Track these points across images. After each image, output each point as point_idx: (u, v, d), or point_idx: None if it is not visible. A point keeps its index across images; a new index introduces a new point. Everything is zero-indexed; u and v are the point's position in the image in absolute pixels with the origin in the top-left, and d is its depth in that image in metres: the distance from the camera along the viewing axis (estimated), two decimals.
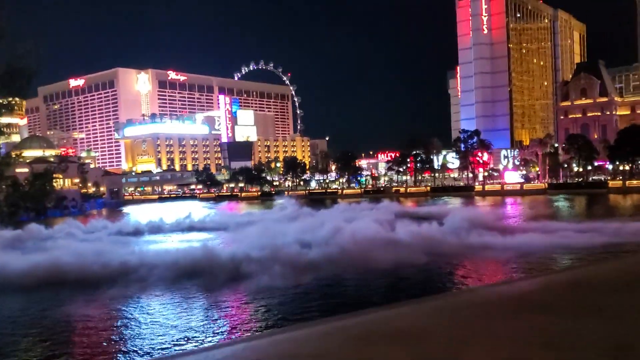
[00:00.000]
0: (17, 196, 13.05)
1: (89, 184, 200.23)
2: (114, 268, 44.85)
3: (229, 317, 33.11)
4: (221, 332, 30.06)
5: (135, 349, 27.91)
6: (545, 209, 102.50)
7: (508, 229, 60.86)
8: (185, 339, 28.74)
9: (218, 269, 42.91)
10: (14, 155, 14.25)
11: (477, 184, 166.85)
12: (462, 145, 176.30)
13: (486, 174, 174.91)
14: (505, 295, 8.51)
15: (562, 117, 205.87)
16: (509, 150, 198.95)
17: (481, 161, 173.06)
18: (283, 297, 35.50)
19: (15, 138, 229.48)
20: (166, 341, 28.69)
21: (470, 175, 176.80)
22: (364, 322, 6.90)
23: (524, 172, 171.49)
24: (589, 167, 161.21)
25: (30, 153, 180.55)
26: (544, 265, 42.80)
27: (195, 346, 27.23)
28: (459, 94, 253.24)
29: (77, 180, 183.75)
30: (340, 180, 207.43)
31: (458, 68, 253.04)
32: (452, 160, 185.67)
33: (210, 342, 28.58)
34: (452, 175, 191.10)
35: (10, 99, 12.95)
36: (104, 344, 28.51)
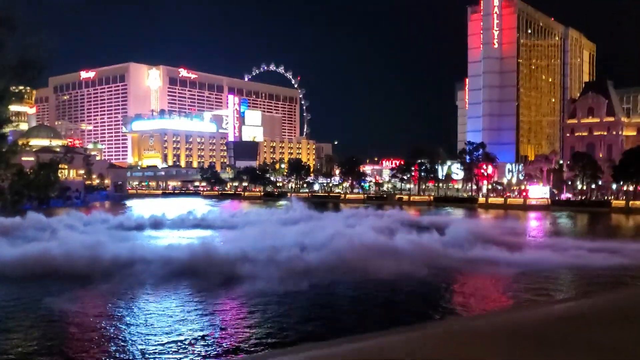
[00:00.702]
0: (21, 184, 13.57)
1: (94, 176, 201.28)
2: (105, 263, 45.21)
3: (211, 320, 33.18)
4: (199, 335, 30.08)
5: (113, 348, 28.19)
6: (551, 226, 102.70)
7: (516, 244, 59.94)
8: (169, 342, 28.93)
9: (212, 267, 43.27)
10: (20, 144, 14.81)
11: (480, 196, 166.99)
12: (467, 157, 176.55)
13: (490, 186, 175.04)
14: (500, 326, 8.80)
15: (568, 135, 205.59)
16: (513, 165, 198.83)
17: (485, 174, 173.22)
18: (275, 304, 35.42)
19: (23, 126, 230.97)
20: (147, 342, 28.90)
21: (474, 187, 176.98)
22: (354, 350, 7.26)
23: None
24: (593, 186, 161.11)
25: (37, 142, 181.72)
26: (555, 286, 42.49)
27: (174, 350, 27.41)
28: (467, 106, 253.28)
29: (82, 172, 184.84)
30: (344, 185, 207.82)
31: (467, 80, 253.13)
32: (457, 171, 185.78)
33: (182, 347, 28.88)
34: (455, 186, 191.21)
35: (20, 87, 13.47)
36: (82, 341, 28.62)
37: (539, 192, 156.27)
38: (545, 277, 44.92)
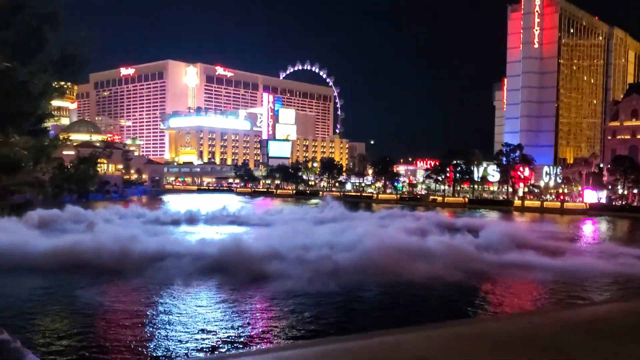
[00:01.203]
0: (62, 178, 13.84)
1: (132, 171, 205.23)
2: (137, 256, 45.92)
3: (234, 316, 33.35)
4: (222, 331, 30.45)
5: (140, 342, 28.66)
6: (591, 230, 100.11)
7: (555, 249, 58.25)
8: (195, 339, 29.29)
9: (242, 264, 43.45)
10: (62, 138, 15.14)
11: (516, 199, 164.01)
12: (504, 159, 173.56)
13: (526, 189, 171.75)
14: (516, 330, 8.61)
15: (609, 138, 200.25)
16: (551, 167, 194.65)
17: (522, 176, 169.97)
18: (300, 303, 35.37)
19: (65, 121, 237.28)
20: (174, 337, 29.34)
21: (510, 189, 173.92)
22: (371, 345, 7.20)
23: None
24: (635, 191, 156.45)
25: (77, 137, 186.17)
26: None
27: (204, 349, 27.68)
28: (504, 106, 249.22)
29: (120, 167, 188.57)
30: (377, 185, 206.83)
31: (505, 80, 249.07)
32: (493, 173, 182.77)
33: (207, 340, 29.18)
34: (491, 188, 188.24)
35: (62, 83, 13.77)
36: (108, 335, 29.14)
37: (593, 196, 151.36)
38: (588, 284, 43.44)
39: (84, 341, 27.82)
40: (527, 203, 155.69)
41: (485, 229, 68.41)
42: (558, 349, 7.62)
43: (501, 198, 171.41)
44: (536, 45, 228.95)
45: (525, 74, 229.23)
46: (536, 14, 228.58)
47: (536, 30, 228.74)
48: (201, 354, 26.44)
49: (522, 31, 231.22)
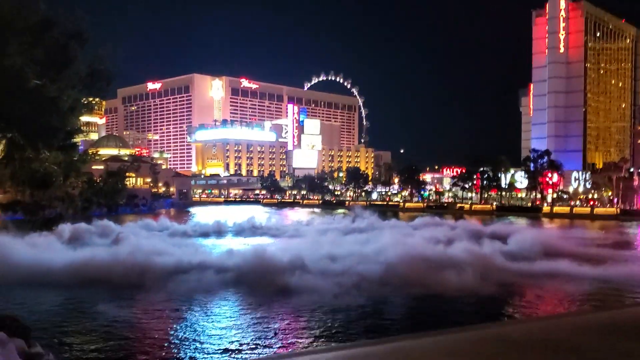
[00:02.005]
0: (91, 192, 14.07)
1: (160, 184, 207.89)
2: (160, 269, 46.08)
3: (257, 327, 33.18)
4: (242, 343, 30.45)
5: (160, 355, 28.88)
6: (623, 237, 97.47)
7: (598, 257, 56.14)
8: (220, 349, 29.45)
9: (267, 276, 43.33)
10: (90, 153, 15.43)
11: (545, 205, 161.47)
12: (532, 165, 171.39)
13: (555, 195, 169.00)
14: (534, 334, 8.43)
15: (639, 141, 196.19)
16: (580, 172, 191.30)
17: (551, 182, 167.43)
18: (327, 316, 34.89)
19: (94, 136, 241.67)
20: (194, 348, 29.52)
21: (539, 196, 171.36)
22: (383, 351, 7.11)
23: None
24: None
25: (106, 151, 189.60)
26: None
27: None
28: (531, 112, 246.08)
29: (148, 180, 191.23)
30: (403, 194, 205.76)
31: (531, 86, 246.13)
32: (520, 179, 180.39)
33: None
34: (519, 195, 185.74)
35: (90, 99, 14.04)
36: (128, 347, 29.27)
37: None
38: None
39: (112, 354, 28.12)
40: (556, 209, 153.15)
41: (521, 237, 66.79)
42: (574, 351, 7.47)
43: (529, 205, 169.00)
44: (562, 50, 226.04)
45: (552, 79, 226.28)
46: (561, 18, 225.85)
47: (562, 34, 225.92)
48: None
49: (547, 36, 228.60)
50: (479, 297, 38.75)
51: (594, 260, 53.04)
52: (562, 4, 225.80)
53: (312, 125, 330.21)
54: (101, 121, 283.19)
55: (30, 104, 11.10)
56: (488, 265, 47.80)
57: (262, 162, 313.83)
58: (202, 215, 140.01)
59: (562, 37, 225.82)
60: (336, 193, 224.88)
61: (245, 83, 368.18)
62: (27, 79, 11.12)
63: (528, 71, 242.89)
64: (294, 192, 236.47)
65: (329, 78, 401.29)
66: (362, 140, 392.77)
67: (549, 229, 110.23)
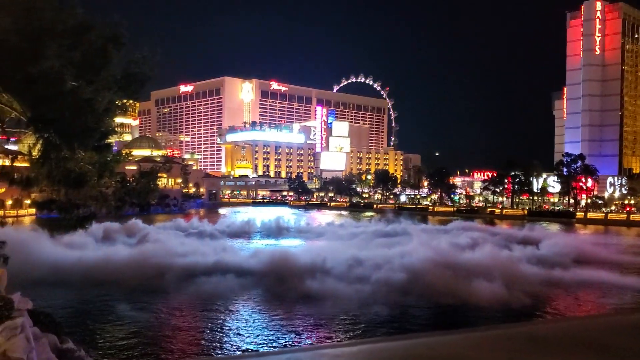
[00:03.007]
0: (124, 191, 14.31)
1: (190, 185, 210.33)
2: (182, 269, 46.51)
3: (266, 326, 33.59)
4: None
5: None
6: None
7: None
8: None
9: (290, 278, 43.32)
10: (124, 153, 15.71)
11: (578, 210, 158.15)
12: (565, 169, 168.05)
13: (589, 201, 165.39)
14: (563, 333, 8.31)
15: None
16: (616, 178, 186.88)
17: (584, 187, 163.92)
18: (349, 322, 34.79)
19: (127, 137, 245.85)
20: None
21: (572, 201, 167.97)
22: (409, 345, 7.10)
23: None
24: None
25: (139, 152, 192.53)
26: None
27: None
28: (565, 115, 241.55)
29: (179, 181, 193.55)
30: (432, 197, 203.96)
31: (565, 89, 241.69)
32: (553, 184, 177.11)
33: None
34: (551, 200, 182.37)
35: (125, 100, 14.32)
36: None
37: None
38: None
39: (139, 350, 28.56)
40: (590, 215, 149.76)
41: (558, 244, 65.24)
42: (605, 350, 7.31)
43: (562, 210, 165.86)
44: (598, 52, 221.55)
45: (587, 82, 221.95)
46: (597, 20, 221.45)
47: (597, 36, 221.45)
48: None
49: (582, 38, 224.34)
50: (512, 307, 37.66)
51: (630, 269, 51.77)
52: (599, 6, 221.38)
53: (341, 128, 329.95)
54: (135, 122, 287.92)
55: (67, 105, 11.37)
56: (520, 273, 46.74)
57: (290, 164, 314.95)
58: (231, 215, 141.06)
59: (597, 39, 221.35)
60: (364, 196, 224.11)
61: (274, 85, 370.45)
62: (65, 80, 11.39)
63: (562, 74, 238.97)
64: (322, 194, 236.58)
65: (359, 80, 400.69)
66: (391, 143, 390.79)
67: (582, 235, 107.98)
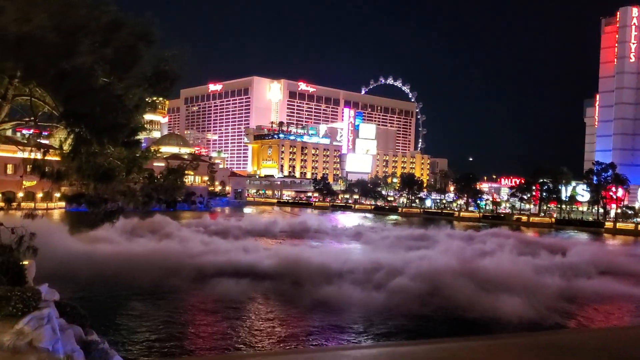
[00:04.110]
0: (151, 188, 14.47)
1: (216, 183, 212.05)
2: (193, 269, 46.62)
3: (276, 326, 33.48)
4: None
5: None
6: None
7: None
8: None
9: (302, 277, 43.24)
10: (152, 150, 15.87)
11: (607, 220, 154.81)
12: (594, 178, 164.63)
13: (619, 211, 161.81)
14: (589, 343, 8.14)
15: None
16: None
17: (615, 197, 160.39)
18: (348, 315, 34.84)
19: (156, 134, 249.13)
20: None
21: (601, 210, 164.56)
22: (428, 350, 7.03)
23: None
24: None
25: (167, 149, 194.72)
26: None
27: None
28: (596, 123, 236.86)
29: (206, 178, 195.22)
30: (458, 202, 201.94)
31: (597, 96, 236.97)
32: (582, 192, 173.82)
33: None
34: (580, 209, 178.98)
35: (154, 98, 14.47)
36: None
37: None
38: None
39: (161, 344, 28.88)
40: (620, 225, 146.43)
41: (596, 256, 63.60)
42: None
43: (590, 219, 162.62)
44: (632, 60, 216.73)
45: (620, 89, 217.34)
46: (633, 27, 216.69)
47: (633, 43, 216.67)
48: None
49: (617, 45, 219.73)
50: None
51: None
52: (635, 12, 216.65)
53: (368, 130, 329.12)
54: (164, 120, 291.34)
55: (98, 101, 11.55)
56: (549, 284, 45.58)
57: (315, 165, 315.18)
58: (256, 215, 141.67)
59: (633, 47, 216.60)
60: (389, 199, 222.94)
61: (302, 86, 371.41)
62: (96, 77, 11.58)
63: (594, 81, 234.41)
64: (346, 196, 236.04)
65: (388, 82, 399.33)
66: (419, 147, 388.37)
67: (612, 245, 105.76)
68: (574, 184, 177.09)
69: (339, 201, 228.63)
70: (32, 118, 12.44)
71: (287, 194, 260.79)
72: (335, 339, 31.22)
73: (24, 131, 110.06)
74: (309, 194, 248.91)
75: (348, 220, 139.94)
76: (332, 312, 36.73)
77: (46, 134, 14.07)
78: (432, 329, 33.25)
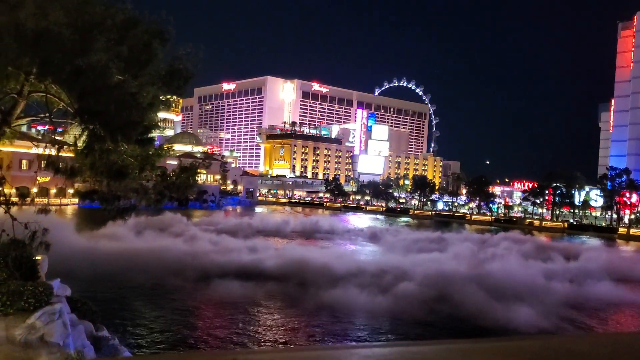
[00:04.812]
0: (164, 185, 14.51)
1: (228, 182, 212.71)
2: (199, 269, 46.79)
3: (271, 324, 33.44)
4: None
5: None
6: None
7: None
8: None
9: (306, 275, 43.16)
10: (165, 148, 15.94)
11: (621, 226, 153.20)
12: (609, 183, 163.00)
13: (633, 216, 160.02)
14: (604, 348, 7.96)
15: None
16: None
17: (629, 202, 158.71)
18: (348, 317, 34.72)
19: (169, 132, 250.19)
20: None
21: (615, 216, 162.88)
22: (440, 351, 6.92)
23: None
24: None
25: (180, 147, 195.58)
26: None
27: None
28: (611, 128, 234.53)
29: (218, 177, 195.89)
30: (470, 205, 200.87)
31: (613, 101, 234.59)
32: (596, 197, 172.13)
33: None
34: (593, 214, 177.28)
35: (168, 96, 14.52)
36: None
37: None
38: None
39: (171, 340, 29.00)
40: (634, 231, 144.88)
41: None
42: None
43: (604, 225, 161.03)
44: None
45: (636, 94, 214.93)
46: None
47: None
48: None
49: (633, 49, 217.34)
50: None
51: None
52: None
53: (380, 131, 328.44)
54: (177, 118, 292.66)
55: (112, 98, 11.61)
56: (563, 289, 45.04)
57: (327, 166, 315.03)
58: (266, 214, 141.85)
59: None
60: (400, 201, 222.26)
61: (316, 87, 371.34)
62: (111, 74, 11.64)
63: (610, 85, 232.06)
64: (358, 197, 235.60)
65: (401, 84, 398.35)
66: (431, 149, 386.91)
67: (625, 251, 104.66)
68: (587, 188, 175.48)
69: (350, 202, 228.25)
70: (47, 114, 12.54)
71: (299, 194, 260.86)
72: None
73: (39, 127, 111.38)
74: (320, 195, 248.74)
75: (361, 221, 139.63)
76: (362, 315, 36.70)
77: (61, 130, 14.16)
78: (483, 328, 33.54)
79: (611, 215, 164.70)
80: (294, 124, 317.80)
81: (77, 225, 54.47)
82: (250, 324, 33.24)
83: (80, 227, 54.83)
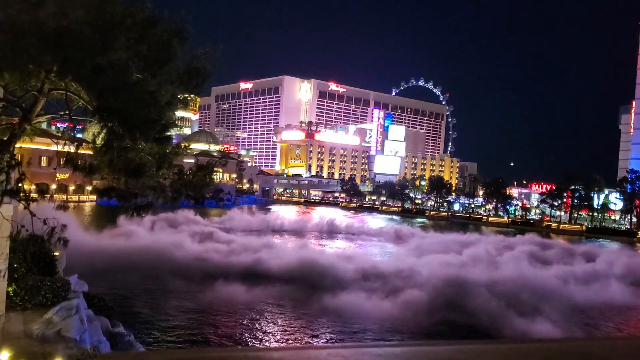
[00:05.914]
0: (180, 183, 14.59)
1: (244, 181, 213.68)
2: (203, 269, 46.83)
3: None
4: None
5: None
6: None
7: None
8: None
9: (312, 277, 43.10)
10: (183, 146, 16.04)
11: None
12: (628, 186, 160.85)
13: None
14: (621, 351, 7.91)
15: None
16: None
17: None
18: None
19: (187, 131, 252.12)
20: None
21: (634, 219, 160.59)
22: (452, 351, 6.89)
23: None
24: None
25: (197, 146, 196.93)
26: None
27: None
28: (632, 130, 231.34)
29: (234, 176, 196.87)
30: (487, 207, 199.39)
31: (633, 103, 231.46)
32: (615, 200, 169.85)
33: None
34: (612, 217, 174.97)
35: (186, 95, 14.62)
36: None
37: None
38: None
39: (186, 337, 29.19)
40: None
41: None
42: None
43: (623, 228, 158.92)
44: None
45: None
46: None
47: None
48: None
49: None
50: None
51: None
52: None
53: (397, 131, 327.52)
54: (195, 117, 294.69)
55: (131, 97, 11.71)
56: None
57: (343, 165, 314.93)
58: (284, 213, 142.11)
59: None
60: (416, 202, 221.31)
61: (332, 86, 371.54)
62: (130, 72, 11.74)
63: (631, 87, 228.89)
64: (374, 197, 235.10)
65: (419, 84, 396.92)
66: (448, 150, 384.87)
67: None
68: (606, 191, 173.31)
69: (365, 202, 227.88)
70: (67, 112, 12.65)
71: (314, 194, 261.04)
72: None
73: (59, 124, 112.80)
74: (336, 194, 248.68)
75: (376, 222, 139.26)
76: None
77: (80, 127, 14.31)
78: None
79: (630, 218, 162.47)
80: (310, 123, 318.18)
81: (95, 221, 55.07)
82: (269, 321, 33.33)
83: (98, 224, 55.39)
